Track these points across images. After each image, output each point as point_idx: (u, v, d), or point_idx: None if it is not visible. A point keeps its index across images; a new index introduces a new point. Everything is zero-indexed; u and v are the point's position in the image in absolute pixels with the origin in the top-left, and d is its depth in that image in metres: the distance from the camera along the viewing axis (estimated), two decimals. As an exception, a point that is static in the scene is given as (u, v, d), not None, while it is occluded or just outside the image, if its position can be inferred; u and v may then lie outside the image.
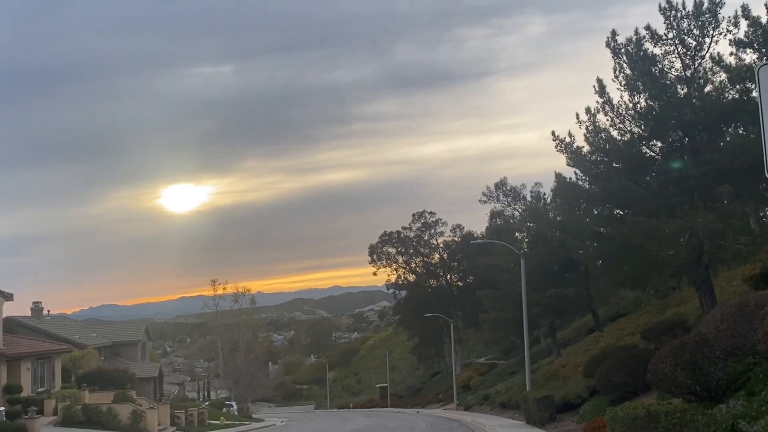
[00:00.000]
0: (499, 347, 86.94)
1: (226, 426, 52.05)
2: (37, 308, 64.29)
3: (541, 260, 50.62)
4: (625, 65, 28.04)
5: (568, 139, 29.31)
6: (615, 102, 28.44)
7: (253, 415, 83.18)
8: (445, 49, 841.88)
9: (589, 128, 28.99)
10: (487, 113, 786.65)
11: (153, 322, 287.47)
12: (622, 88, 28.20)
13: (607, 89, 28.48)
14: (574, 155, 29.36)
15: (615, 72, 28.23)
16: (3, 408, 34.29)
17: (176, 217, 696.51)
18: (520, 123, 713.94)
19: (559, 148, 29.62)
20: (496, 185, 79.21)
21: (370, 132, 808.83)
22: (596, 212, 30.75)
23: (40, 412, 40.64)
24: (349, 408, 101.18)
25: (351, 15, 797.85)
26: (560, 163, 36.83)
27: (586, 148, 29.26)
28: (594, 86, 28.40)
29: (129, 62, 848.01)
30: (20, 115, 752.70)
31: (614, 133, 28.73)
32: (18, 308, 64.74)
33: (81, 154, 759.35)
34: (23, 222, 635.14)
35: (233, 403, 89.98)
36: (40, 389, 44.91)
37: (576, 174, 30.55)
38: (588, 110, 29.21)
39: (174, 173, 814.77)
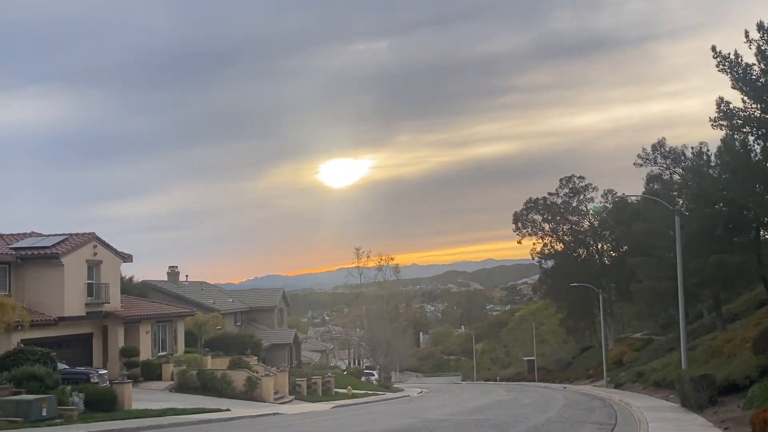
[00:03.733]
0: (656, 321, 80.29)
1: (354, 396, 49.38)
2: (173, 272, 64.62)
3: (703, 223, 44.52)
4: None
5: (733, 58, 23.64)
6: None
7: (395, 385, 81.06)
8: (603, 15, 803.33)
9: (761, 46, 23.12)
10: (648, 80, 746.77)
11: (312, 292, 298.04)
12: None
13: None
14: (741, 76, 23.63)
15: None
16: (106, 371, 32.86)
17: (335, 191, 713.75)
18: (684, 89, 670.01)
19: (721, 67, 23.97)
20: (653, 147, 72.01)
21: (523, 103, 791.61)
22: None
23: (158, 377, 39.70)
24: (496, 381, 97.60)
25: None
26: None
27: (758, 68, 23.44)
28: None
29: (288, 42, 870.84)
30: (190, 95, 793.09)
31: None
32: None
33: (245, 132, 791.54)
34: (193, 197, 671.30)
35: (374, 372, 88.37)
36: (161, 353, 43.97)
37: (744, 101, 24.72)
38: (760, 26, 23.37)
39: (332, 149, 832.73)
